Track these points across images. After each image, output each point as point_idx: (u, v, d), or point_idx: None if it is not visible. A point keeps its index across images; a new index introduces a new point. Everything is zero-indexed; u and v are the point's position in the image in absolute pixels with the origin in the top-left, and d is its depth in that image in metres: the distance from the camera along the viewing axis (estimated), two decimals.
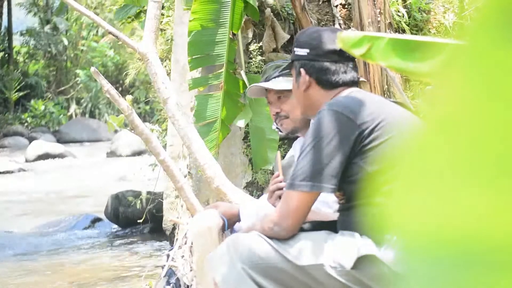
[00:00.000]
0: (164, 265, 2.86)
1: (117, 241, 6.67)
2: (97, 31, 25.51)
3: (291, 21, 4.38)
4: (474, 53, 0.36)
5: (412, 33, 4.43)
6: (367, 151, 1.88)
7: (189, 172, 4.42)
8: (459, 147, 0.36)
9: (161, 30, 5.45)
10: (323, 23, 4.34)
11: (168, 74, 4.75)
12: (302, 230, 1.99)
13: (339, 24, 4.28)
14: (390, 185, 0.39)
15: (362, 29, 3.63)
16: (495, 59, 0.36)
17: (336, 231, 1.97)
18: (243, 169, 4.27)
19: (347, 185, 1.93)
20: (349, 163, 1.90)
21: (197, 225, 2.40)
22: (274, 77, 2.56)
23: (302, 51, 2.13)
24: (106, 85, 2.95)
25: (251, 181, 4.26)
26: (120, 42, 3.28)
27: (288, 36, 4.27)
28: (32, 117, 22.41)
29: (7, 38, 22.97)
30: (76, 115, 24.81)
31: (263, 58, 4.23)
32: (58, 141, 19.55)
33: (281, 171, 2.32)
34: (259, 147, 3.95)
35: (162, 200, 5.31)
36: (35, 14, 24.39)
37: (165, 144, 5.01)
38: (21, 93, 22.69)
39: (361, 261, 1.84)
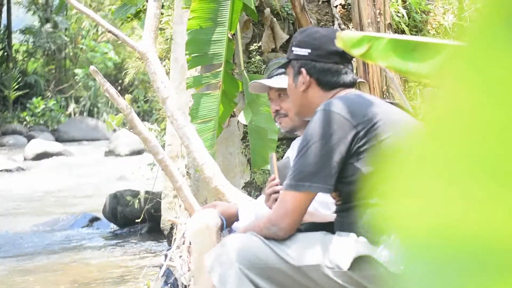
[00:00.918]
0: (162, 265, 2.86)
1: (115, 241, 6.67)
2: (96, 30, 25.52)
3: (291, 21, 4.38)
4: (473, 54, 0.36)
5: (411, 34, 4.44)
6: (363, 151, 1.88)
7: (187, 171, 4.42)
8: (457, 147, 0.36)
9: (161, 29, 5.45)
10: (322, 23, 4.34)
11: (168, 73, 4.75)
12: (299, 230, 1.99)
13: (339, 24, 4.29)
14: (386, 185, 0.39)
15: (361, 30, 3.63)
16: (495, 60, 0.35)
17: (333, 232, 1.97)
18: (242, 169, 4.27)
19: (344, 186, 1.93)
20: (346, 164, 1.90)
21: (195, 224, 2.40)
22: (277, 75, 2.56)
23: (302, 51, 2.13)
24: (105, 84, 2.95)
25: (250, 181, 4.27)
26: (119, 41, 3.27)
27: (287, 36, 4.27)
28: (31, 116, 22.39)
29: (6, 36, 22.95)
30: (75, 114, 24.80)
31: (262, 58, 4.23)
32: (57, 140, 19.54)
33: (277, 173, 2.32)
34: (258, 147, 3.94)
35: (160, 199, 5.31)
36: (34, 13, 24.38)
37: (164, 143, 5.01)
38: (20, 92, 22.68)
39: (358, 262, 1.84)
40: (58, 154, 15.75)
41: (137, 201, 6.67)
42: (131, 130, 3.02)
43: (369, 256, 1.83)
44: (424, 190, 0.37)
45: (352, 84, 2.12)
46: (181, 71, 4.59)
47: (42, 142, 16.39)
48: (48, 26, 24.19)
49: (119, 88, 20.68)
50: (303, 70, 2.12)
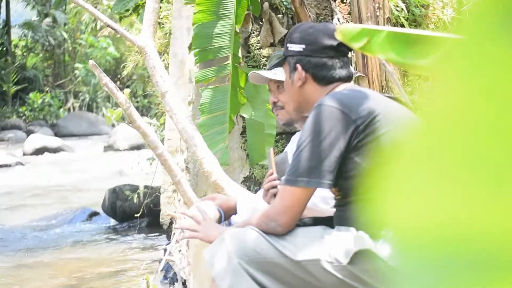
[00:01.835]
0: (161, 259, 2.86)
1: (114, 235, 6.67)
2: (96, 25, 25.47)
3: (290, 16, 4.37)
4: (472, 48, 0.36)
5: (410, 28, 4.43)
6: (362, 146, 1.88)
7: (186, 166, 4.41)
8: (455, 143, 0.36)
9: (160, 23, 5.43)
10: (321, 17, 4.33)
11: (166, 67, 4.74)
12: (298, 225, 1.99)
13: (338, 18, 4.28)
14: (385, 180, 0.39)
15: (360, 24, 3.63)
16: (493, 54, 0.35)
17: (332, 227, 1.97)
18: (241, 163, 4.27)
19: (343, 181, 1.93)
20: (345, 159, 1.90)
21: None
22: (276, 66, 2.56)
23: (297, 47, 2.13)
24: (104, 78, 2.94)
25: (249, 175, 4.26)
26: (118, 36, 3.26)
27: (286, 31, 4.26)
28: (29, 111, 22.38)
29: (5, 31, 22.92)
30: (74, 109, 24.79)
31: (261, 52, 4.22)
32: (56, 134, 19.54)
33: (275, 168, 2.31)
34: (255, 142, 3.93)
35: (160, 194, 5.31)
36: (33, 7, 24.34)
37: (163, 138, 5.01)
38: (19, 86, 22.67)
39: (358, 256, 1.84)
40: (57, 149, 15.76)
41: (136, 195, 6.67)
42: (130, 124, 3.02)
43: (369, 250, 1.83)
44: (420, 186, 0.37)
45: (348, 78, 2.11)
46: (180, 66, 4.59)
47: (41, 137, 16.40)
48: (47, 21, 24.15)
49: (118, 82, 20.66)
50: (299, 66, 2.12)
